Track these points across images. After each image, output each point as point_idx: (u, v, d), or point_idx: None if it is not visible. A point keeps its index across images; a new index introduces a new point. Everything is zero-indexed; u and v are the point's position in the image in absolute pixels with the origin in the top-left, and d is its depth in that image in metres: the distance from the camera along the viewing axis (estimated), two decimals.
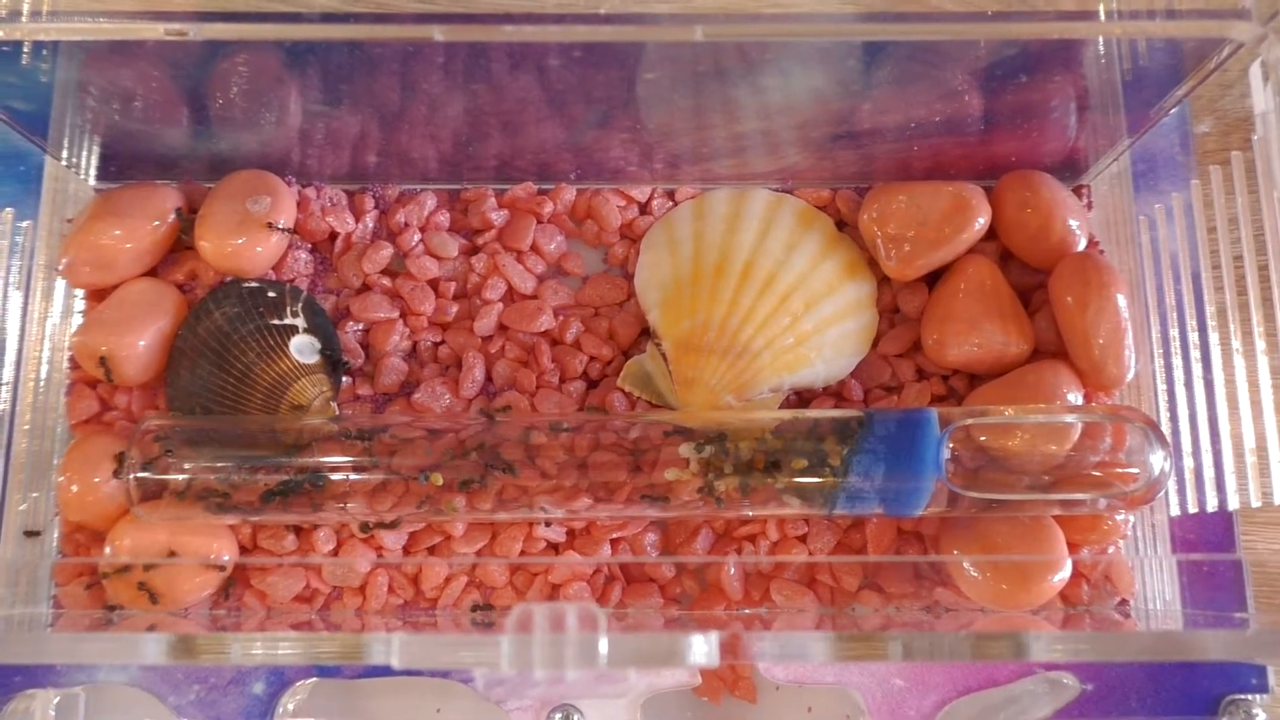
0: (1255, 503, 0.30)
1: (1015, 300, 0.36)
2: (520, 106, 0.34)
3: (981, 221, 0.36)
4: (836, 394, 0.37)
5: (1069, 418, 0.32)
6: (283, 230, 0.35)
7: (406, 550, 0.35)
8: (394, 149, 0.37)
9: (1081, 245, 0.36)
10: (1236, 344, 0.32)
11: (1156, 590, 0.34)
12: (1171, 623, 0.33)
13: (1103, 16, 0.29)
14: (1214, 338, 0.33)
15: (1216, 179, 0.33)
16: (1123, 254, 0.37)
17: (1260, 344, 0.30)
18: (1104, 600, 0.35)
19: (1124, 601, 0.35)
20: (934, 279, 0.37)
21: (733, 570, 0.35)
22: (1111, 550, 0.35)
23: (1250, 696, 0.33)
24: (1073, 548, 0.35)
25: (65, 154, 0.35)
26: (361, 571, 0.35)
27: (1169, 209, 0.35)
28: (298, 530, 0.35)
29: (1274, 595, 0.34)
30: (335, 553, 0.35)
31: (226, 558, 0.34)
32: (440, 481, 0.32)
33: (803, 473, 0.32)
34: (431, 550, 0.35)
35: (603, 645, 0.21)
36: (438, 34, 0.27)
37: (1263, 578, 0.34)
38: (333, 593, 0.35)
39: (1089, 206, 0.38)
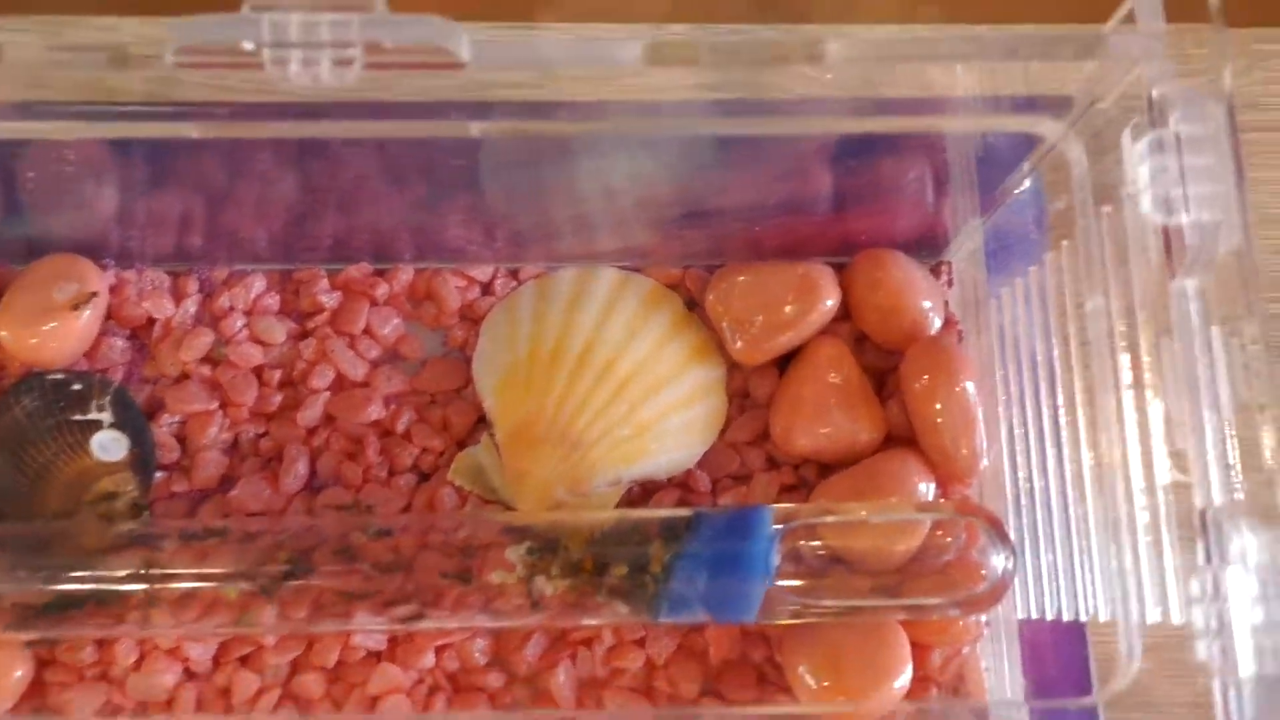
0: (1103, 616, 0.28)
1: (866, 386, 0.34)
2: (355, 184, 0.33)
3: (830, 302, 0.34)
4: (682, 484, 0.35)
5: (905, 516, 0.30)
6: (79, 309, 0.33)
7: (216, 661, 0.33)
8: (221, 229, 0.35)
9: (936, 326, 0.34)
10: (1084, 436, 0.30)
11: (1006, 691, 0.32)
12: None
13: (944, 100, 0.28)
14: (1064, 429, 0.31)
15: (1066, 258, 0.31)
16: (981, 334, 0.35)
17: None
18: (956, 705, 0.33)
19: (978, 705, 0.33)
20: (786, 362, 0.35)
21: (563, 678, 0.33)
22: (966, 651, 0.33)
23: None
24: (925, 649, 0.33)
25: None
26: (167, 685, 0.32)
27: (1026, 287, 0.33)
28: (99, 641, 0.33)
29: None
30: (138, 666, 0.33)
31: (19, 674, 0.32)
32: (234, 595, 0.30)
33: (624, 579, 0.30)
34: (244, 660, 0.33)
35: None
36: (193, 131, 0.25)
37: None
38: (136, 708, 0.33)
39: (949, 284, 0.36)
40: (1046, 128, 0.26)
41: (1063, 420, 0.29)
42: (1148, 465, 0.27)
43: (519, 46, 0.22)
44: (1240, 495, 0.20)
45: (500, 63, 0.22)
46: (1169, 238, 0.21)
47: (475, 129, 0.24)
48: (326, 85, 0.21)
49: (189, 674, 0.33)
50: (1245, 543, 0.20)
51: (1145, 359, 0.26)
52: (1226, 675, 0.19)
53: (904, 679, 0.31)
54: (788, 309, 0.34)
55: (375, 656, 0.33)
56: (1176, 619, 0.23)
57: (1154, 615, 0.25)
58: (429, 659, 0.33)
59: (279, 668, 0.33)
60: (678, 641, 0.33)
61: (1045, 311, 0.29)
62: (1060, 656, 0.30)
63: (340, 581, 0.31)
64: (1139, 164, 0.21)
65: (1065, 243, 0.28)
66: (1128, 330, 0.25)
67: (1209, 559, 0.20)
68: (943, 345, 0.33)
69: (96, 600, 0.30)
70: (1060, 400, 0.29)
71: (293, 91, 0.22)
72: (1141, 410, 0.27)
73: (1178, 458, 0.26)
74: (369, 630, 0.32)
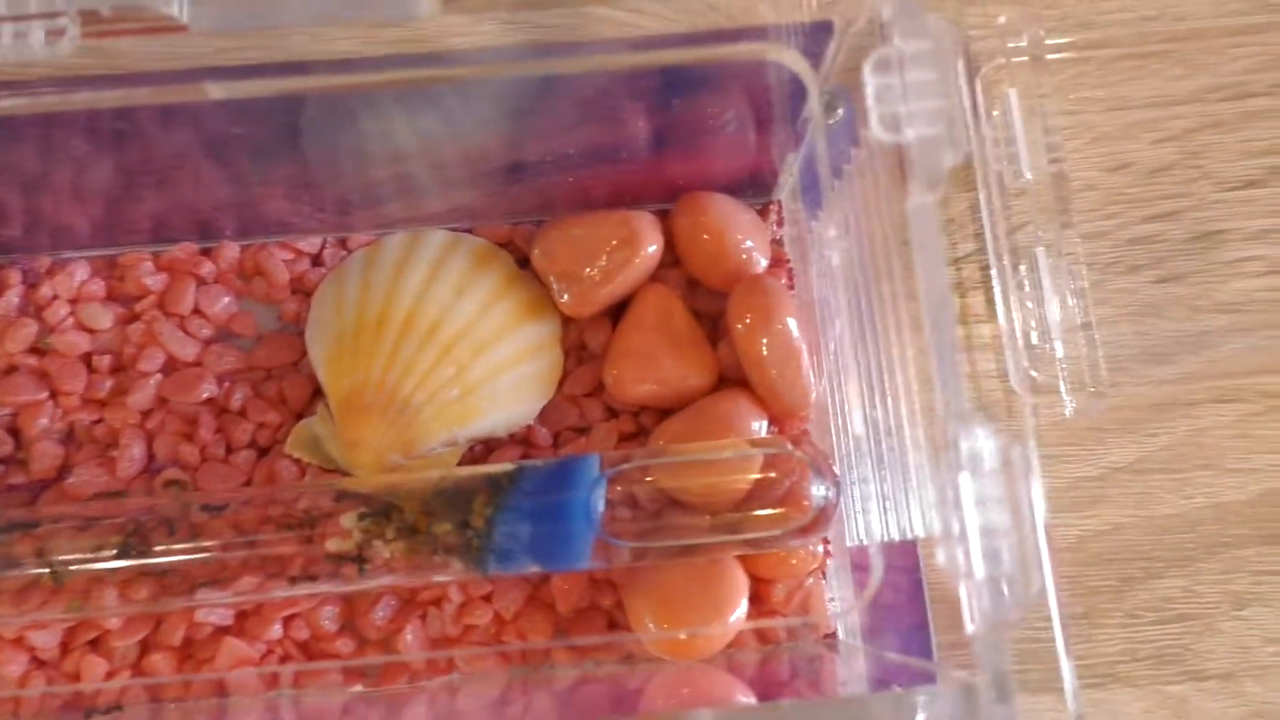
0: (921, 533, 0.28)
1: (694, 330, 0.34)
2: (169, 163, 0.32)
3: (652, 249, 0.34)
4: (524, 440, 0.35)
5: (727, 454, 0.31)
6: None
7: (64, 647, 0.33)
8: (40, 217, 0.34)
9: (761, 266, 0.35)
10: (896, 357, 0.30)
11: (848, 622, 0.33)
12: (860, 661, 0.31)
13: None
14: (883, 354, 0.31)
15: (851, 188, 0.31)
16: (807, 270, 0.35)
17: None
18: (805, 636, 0.33)
19: (828, 636, 0.33)
20: (620, 312, 0.35)
21: (411, 638, 0.33)
22: (809, 582, 0.33)
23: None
24: (767, 583, 0.33)
25: None
26: (12, 675, 0.32)
27: (838, 220, 0.34)
28: None
29: (950, 615, 0.32)
30: None
31: None
32: (62, 581, 0.30)
33: (449, 534, 0.30)
34: (92, 645, 0.33)
35: None
36: None
37: (940, 594, 0.33)
38: None
39: (779, 223, 0.36)
40: (826, 54, 0.26)
41: (872, 350, 0.29)
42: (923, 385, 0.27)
43: (238, 6, 0.21)
44: (968, 402, 0.20)
45: (223, 24, 0.21)
46: (901, 156, 0.21)
47: (215, 90, 0.24)
48: (41, 56, 0.20)
49: (37, 662, 0.33)
50: (978, 446, 0.20)
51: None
52: (965, 579, 0.20)
53: (738, 613, 0.31)
54: (611, 258, 0.34)
55: (223, 631, 0.33)
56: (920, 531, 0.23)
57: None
58: (277, 629, 0.33)
59: (127, 649, 0.33)
60: (526, 594, 0.34)
61: (848, 241, 0.29)
62: (894, 581, 0.31)
63: (179, 560, 0.31)
64: (868, 84, 0.21)
65: (845, 167, 0.28)
66: (889, 255, 0.26)
67: (947, 466, 0.20)
68: (763, 285, 0.33)
69: None
70: (868, 329, 0.29)
71: (22, 64, 0.22)
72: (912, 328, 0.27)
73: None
74: (214, 606, 0.32)
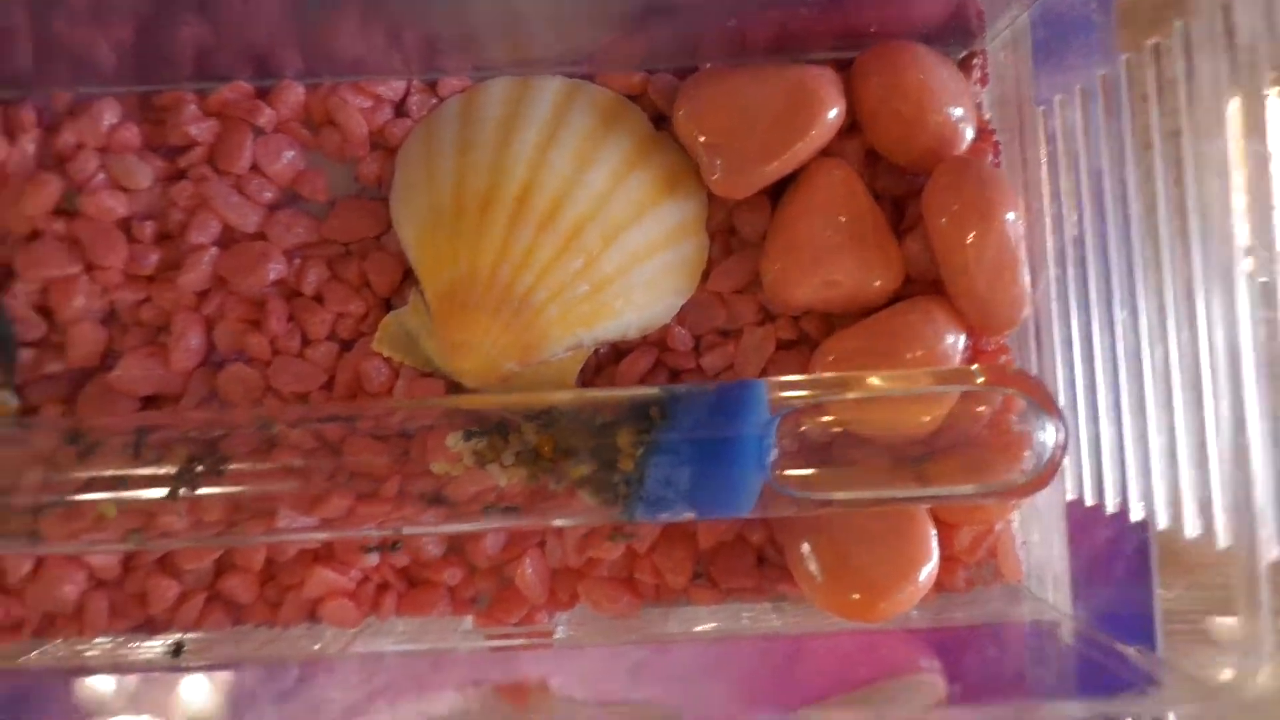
0: (1160, 525, 0.23)
1: (879, 219, 0.28)
2: None
3: (833, 114, 0.27)
4: (659, 343, 0.29)
5: (929, 389, 0.25)
6: None
7: (126, 567, 0.29)
8: (55, 41, 0.27)
9: (968, 140, 0.27)
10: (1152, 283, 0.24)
11: (1047, 572, 0.28)
12: (1061, 629, 0.27)
13: None
14: (1127, 274, 0.25)
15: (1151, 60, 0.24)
16: (1025, 149, 0.28)
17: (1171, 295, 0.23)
18: (987, 585, 0.29)
19: (1011, 585, 0.29)
20: (780, 189, 0.28)
21: (531, 570, 0.28)
22: (999, 527, 0.29)
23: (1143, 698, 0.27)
24: (952, 528, 0.28)
25: None
26: (70, 597, 0.28)
27: (1089, 93, 0.26)
28: None
29: (1179, 569, 0.27)
30: (35, 575, 0.28)
31: None
32: (113, 513, 0.25)
33: (590, 477, 0.25)
34: (159, 564, 0.29)
35: None
36: None
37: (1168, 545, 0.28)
38: (44, 622, 0.29)
39: (983, 81, 0.29)
40: None
41: (1135, 261, 0.23)
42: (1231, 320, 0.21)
43: None
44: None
45: None
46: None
47: None
48: None
49: (96, 581, 0.28)
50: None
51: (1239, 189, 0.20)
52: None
53: (929, 569, 0.26)
54: (779, 125, 0.27)
55: (311, 555, 0.29)
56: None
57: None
58: (373, 556, 0.28)
59: (201, 571, 0.28)
60: (661, 526, 0.29)
61: (1118, 124, 0.22)
62: (1112, 542, 0.25)
63: (258, 479, 0.26)
64: None
65: (1152, 42, 0.21)
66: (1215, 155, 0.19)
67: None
68: (977, 166, 0.26)
69: None
70: (1132, 236, 0.23)
71: None
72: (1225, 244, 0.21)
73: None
74: (297, 535, 0.28)
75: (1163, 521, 0.23)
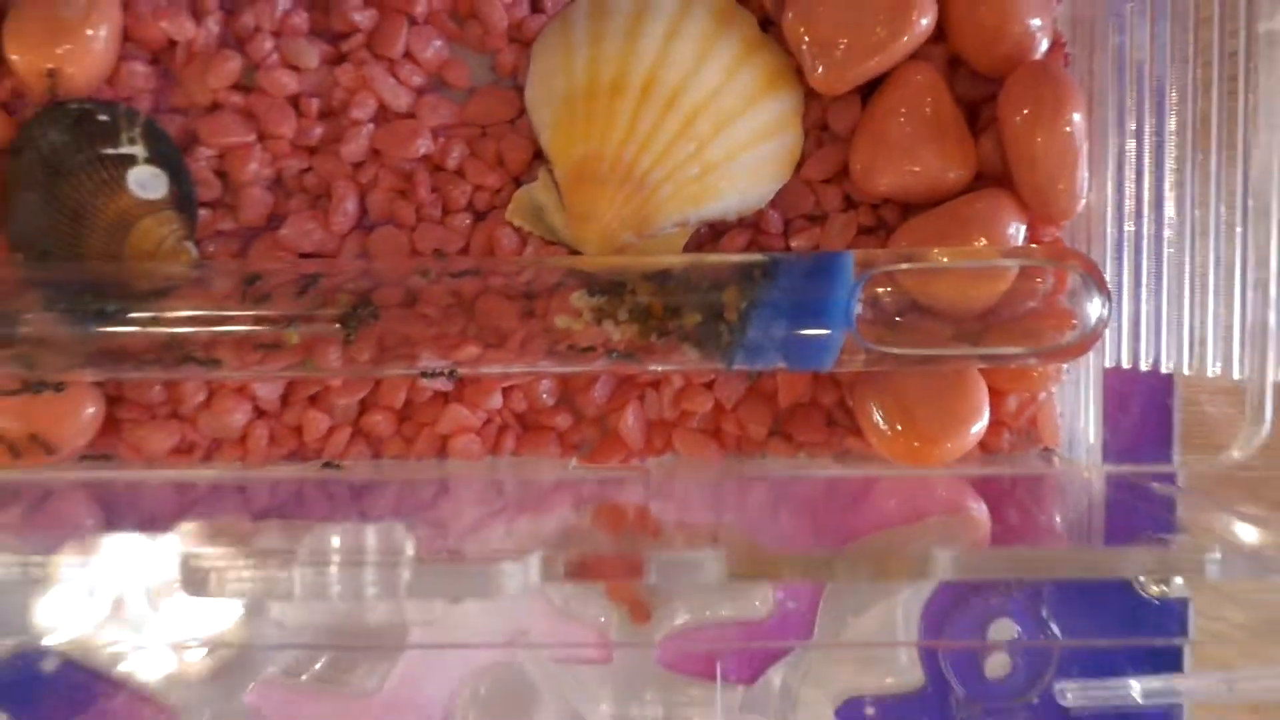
0: (1186, 370, 0.27)
1: (959, 118, 0.31)
2: None
3: (926, 21, 0.30)
4: (753, 225, 0.33)
5: (997, 262, 0.29)
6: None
7: (285, 400, 0.33)
8: None
9: (1042, 49, 0.31)
10: (1195, 185, 0.27)
11: (1080, 439, 0.32)
12: (1093, 478, 0.31)
13: None
14: (1175, 172, 0.28)
15: None
16: (1094, 57, 0.31)
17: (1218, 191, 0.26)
18: (1026, 448, 0.33)
19: (1047, 449, 0.33)
20: (870, 91, 0.32)
21: (632, 420, 0.33)
22: (1042, 397, 0.32)
23: (1164, 538, 0.31)
24: (1000, 394, 0.32)
25: None
26: (237, 425, 0.33)
27: (1158, 7, 0.29)
28: (167, 381, 0.33)
29: (1203, 437, 0.31)
30: (207, 404, 0.33)
31: (90, 411, 0.32)
32: (295, 339, 0.29)
33: (698, 327, 0.29)
34: (312, 400, 0.33)
35: (404, 576, 0.19)
36: None
37: (1194, 418, 0.32)
38: (211, 446, 0.33)
39: None
40: None
41: (1189, 163, 0.26)
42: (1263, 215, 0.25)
43: None
44: None
45: None
46: None
47: None
48: None
49: (259, 412, 0.33)
50: None
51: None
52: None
53: (980, 426, 0.30)
54: (879, 29, 0.30)
55: (443, 397, 0.33)
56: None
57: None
58: (496, 400, 0.33)
59: (348, 407, 0.33)
60: (746, 385, 0.33)
61: (1186, 35, 0.26)
62: (1143, 409, 0.29)
63: (403, 324, 0.30)
64: None
65: None
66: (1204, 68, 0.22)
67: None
68: (1051, 72, 0.30)
69: (153, 342, 0.29)
70: (1189, 140, 0.26)
71: None
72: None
73: None
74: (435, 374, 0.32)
75: (1187, 368, 0.27)
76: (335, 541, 0.19)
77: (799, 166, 0.32)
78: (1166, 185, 0.28)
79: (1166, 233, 0.27)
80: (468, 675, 0.32)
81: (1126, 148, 0.29)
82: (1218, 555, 0.21)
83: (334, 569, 0.19)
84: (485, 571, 0.19)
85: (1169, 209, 0.28)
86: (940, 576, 0.20)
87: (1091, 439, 0.31)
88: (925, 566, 0.21)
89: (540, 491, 0.32)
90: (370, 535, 0.19)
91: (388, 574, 0.19)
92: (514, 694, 0.32)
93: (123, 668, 0.33)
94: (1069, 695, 0.30)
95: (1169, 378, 0.31)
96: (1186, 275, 0.28)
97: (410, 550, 0.19)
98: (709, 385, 0.33)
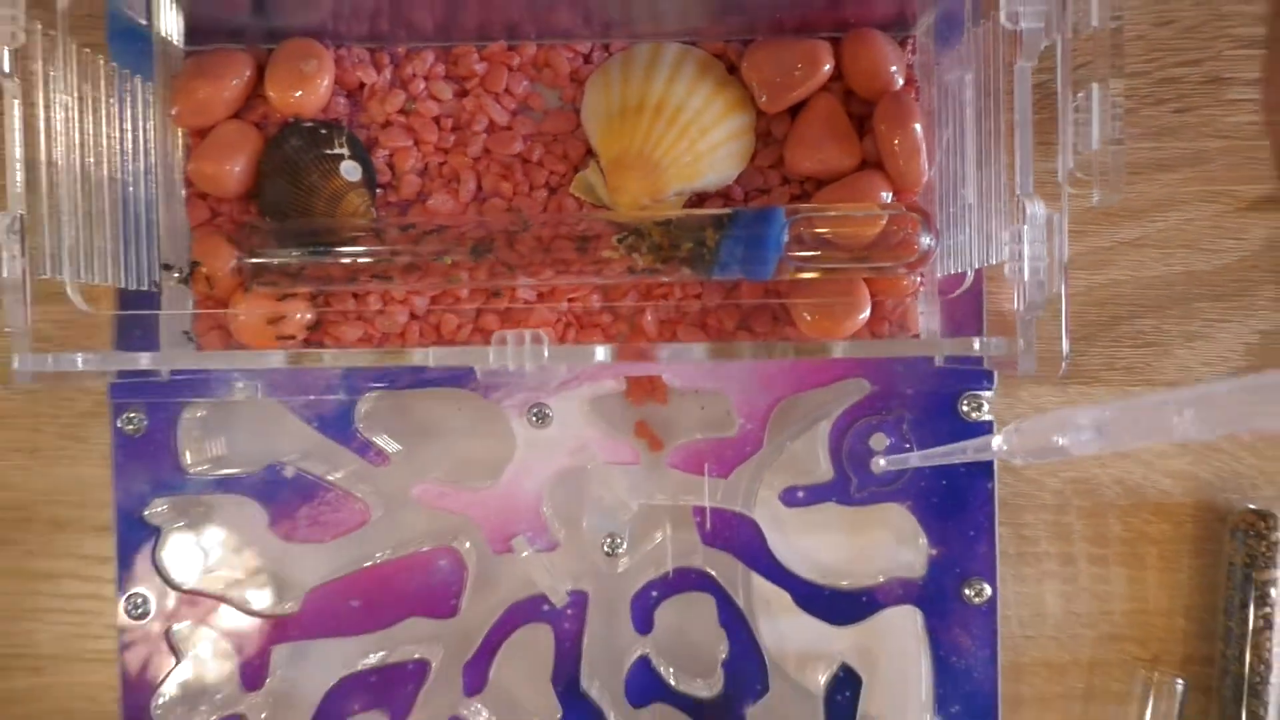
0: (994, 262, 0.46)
1: (849, 127, 0.51)
2: None
3: (827, 68, 0.50)
4: (724, 195, 0.52)
5: (873, 212, 0.48)
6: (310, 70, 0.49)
7: (430, 308, 0.52)
8: (401, 16, 0.50)
9: (899, 85, 0.50)
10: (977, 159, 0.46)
11: (931, 329, 0.51)
12: (936, 359, 0.50)
13: None
14: (972, 153, 0.47)
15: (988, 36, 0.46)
16: (931, 90, 0.51)
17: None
18: (900, 335, 0.52)
19: (914, 335, 0.52)
20: (796, 111, 0.51)
21: (650, 317, 0.52)
22: (909, 301, 0.52)
23: (981, 392, 0.50)
24: (882, 301, 0.51)
25: (162, 27, 0.49)
26: (401, 323, 0.52)
27: (961, 55, 0.49)
28: (355, 295, 0.52)
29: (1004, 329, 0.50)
30: (382, 310, 0.52)
31: (307, 315, 0.51)
32: (450, 261, 0.48)
33: (690, 252, 0.48)
34: (448, 307, 0.52)
35: (544, 351, 0.38)
36: None
37: (997, 320, 0.51)
38: (382, 338, 0.52)
39: (913, 52, 0.51)
40: None
41: (972, 150, 0.45)
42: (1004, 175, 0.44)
43: None
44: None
45: None
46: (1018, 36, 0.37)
47: None
48: None
49: (414, 316, 0.52)
50: (1035, 212, 0.37)
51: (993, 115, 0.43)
52: (1018, 282, 0.38)
53: (864, 315, 0.50)
54: (798, 72, 0.49)
55: (530, 305, 0.52)
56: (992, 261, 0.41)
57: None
58: (564, 305, 0.52)
59: (470, 312, 0.52)
60: (722, 294, 0.52)
61: (980, 77, 0.45)
62: (964, 304, 0.48)
63: (506, 257, 0.49)
64: None
65: (974, 29, 0.44)
66: (996, 91, 0.42)
67: (1018, 220, 0.38)
68: (901, 99, 0.49)
69: (349, 269, 0.49)
70: (984, 140, 0.45)
71: None
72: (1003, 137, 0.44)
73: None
74: (526, 287, 0.51)
75: (980, 264, 0.46)
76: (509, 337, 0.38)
77: (753, 158, 0.52)
78: (970, 167, 0.48)
79: (969, 192, 0.47)
80: (551, 475, 0.52)
81: (948, 144, 0.48)
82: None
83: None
84: (588, 351, 0.38)
85: (971, 181, 0.48)
86: (836, 354, 0.39)
87: (935, 325, 0.50)
88: (827, 350, 0.40)
89: (593, 369, 0.51)
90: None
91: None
92: (578, 483, 0.51)
93: (332, 476, 0.52)
94: (882, 463, 0.50)
95: (980, 285, 0.50)
96: (981, 218, 0.47)
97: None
98: (698, 295, 0.52)
